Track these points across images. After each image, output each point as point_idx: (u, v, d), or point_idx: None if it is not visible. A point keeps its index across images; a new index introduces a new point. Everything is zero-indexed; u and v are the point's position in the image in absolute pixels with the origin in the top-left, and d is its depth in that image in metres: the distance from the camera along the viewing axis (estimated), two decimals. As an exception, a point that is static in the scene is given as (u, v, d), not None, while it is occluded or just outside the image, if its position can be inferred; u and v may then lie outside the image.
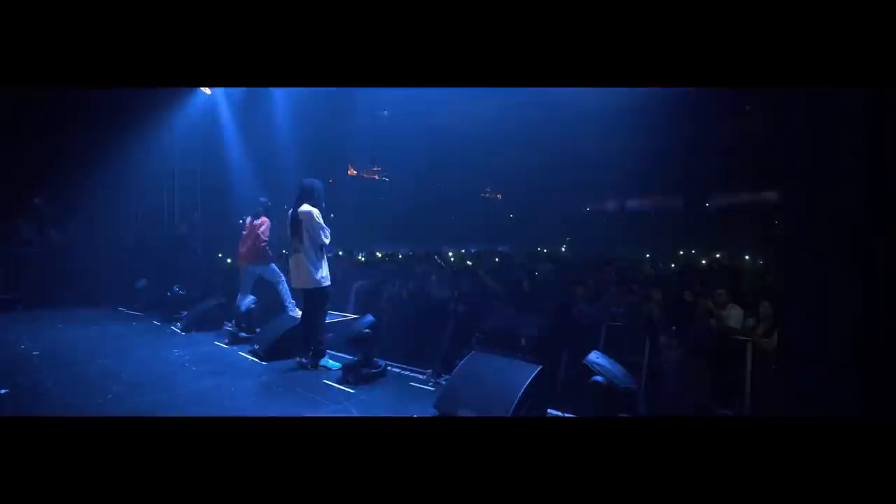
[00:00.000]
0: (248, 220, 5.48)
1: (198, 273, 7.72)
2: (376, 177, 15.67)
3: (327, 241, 4.09)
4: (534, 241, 17.25)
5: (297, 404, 3.27)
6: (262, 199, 5.58)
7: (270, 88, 7.92)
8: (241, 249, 5.48)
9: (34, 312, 6.64)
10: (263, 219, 5.39)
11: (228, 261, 8.33)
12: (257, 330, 5.11)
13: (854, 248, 1.84)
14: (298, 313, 5.01)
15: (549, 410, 3.04)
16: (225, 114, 7.97)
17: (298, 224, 4.03)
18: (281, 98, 8.18)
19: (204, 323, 5.72)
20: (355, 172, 14.95)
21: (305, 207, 4.03)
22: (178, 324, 5.83)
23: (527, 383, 2.66)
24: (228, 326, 5.58)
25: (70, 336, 5.26)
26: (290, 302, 5.41)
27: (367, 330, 3.75)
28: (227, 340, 5.10)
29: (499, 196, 21.71)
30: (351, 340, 3.71)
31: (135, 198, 7.85)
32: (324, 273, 4.11)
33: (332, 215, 4.21)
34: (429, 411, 2.98)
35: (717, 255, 11.49)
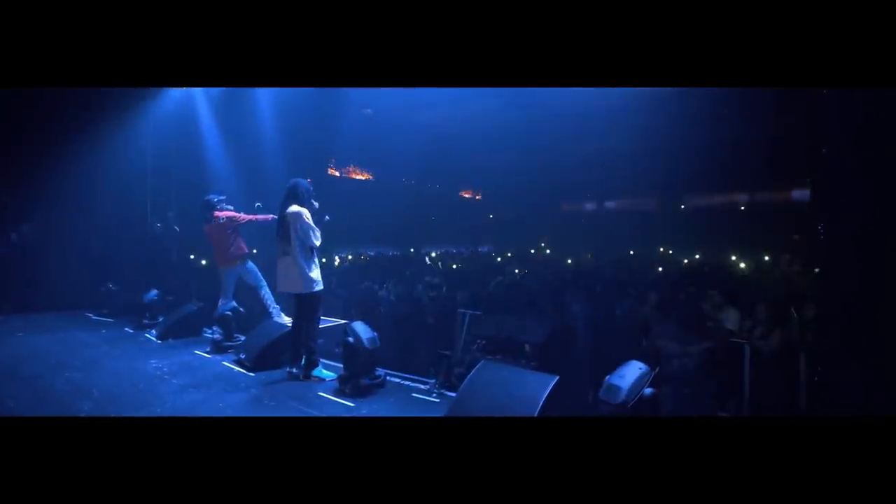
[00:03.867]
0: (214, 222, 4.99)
1: (173, 275, 7.28)
2: (362, 176, 15.33)
3: (317, 243, 3.89)
4: (514, 241, 17.31)
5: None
6: (207, 196, 5.03)
7: (250, 83, 7.57)
8: (215, 254, 5.12)
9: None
10: (220, 213, 4.91)
11: (203, 262, 7.92)
12: (241, 338, 4.81)
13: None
14: (285, 319, 4.76)
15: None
16: (202, 109, 7.56)
17: (287, 226, 3.85)
18: (261, 94, 7.83)
19: (181, 330, 5.35)
20: (337, 173, 14.57)
21: (294, 208, 3.85)
22: (153, 331, 5.45)
23: (545, 395, 2.52)
24: (209, 334, 5.24)
25: (32, 346, 4.81)
26: (274, 307, 5.11)
27: (374, 333, 3.58)
28: (208, 349, 4.78)
29: (478, 196, 21.67)
30: (363, 351, 3.48)
31: (104, 196, 7.34)
32: (315, 277, 3.91)
33: (326, 217, 4.01)
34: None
35: (698, 256, 11.75)
